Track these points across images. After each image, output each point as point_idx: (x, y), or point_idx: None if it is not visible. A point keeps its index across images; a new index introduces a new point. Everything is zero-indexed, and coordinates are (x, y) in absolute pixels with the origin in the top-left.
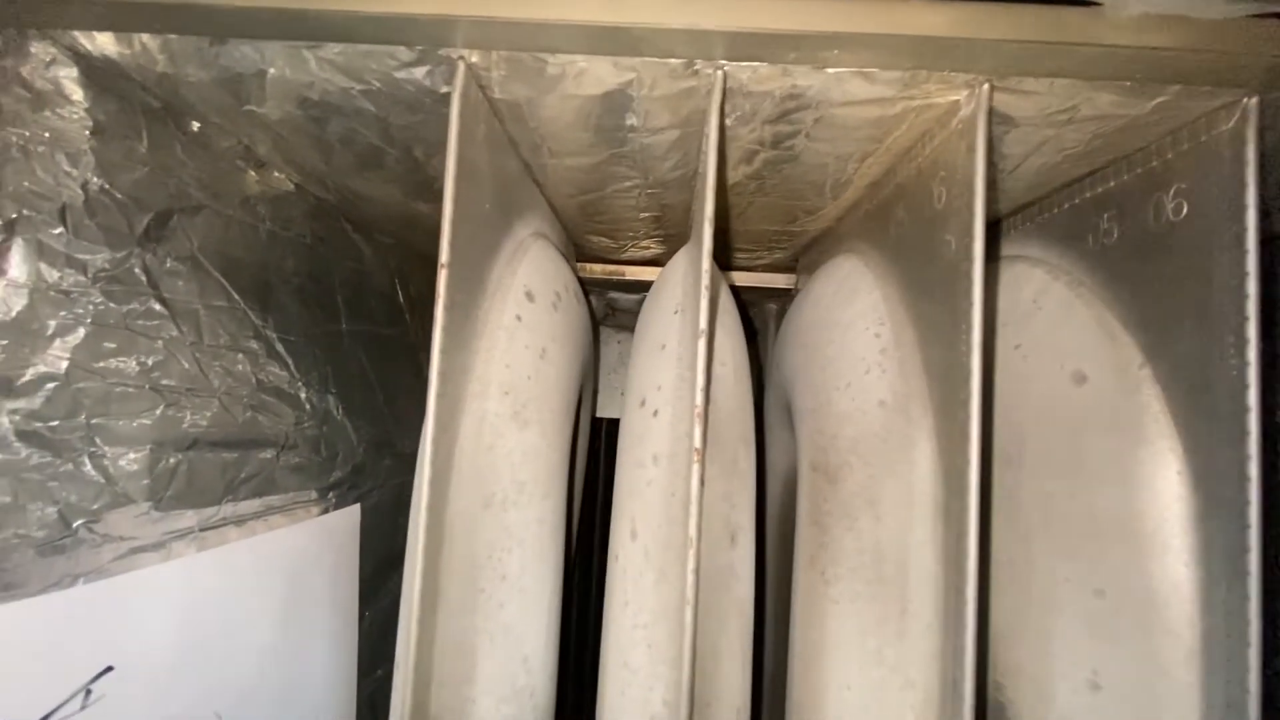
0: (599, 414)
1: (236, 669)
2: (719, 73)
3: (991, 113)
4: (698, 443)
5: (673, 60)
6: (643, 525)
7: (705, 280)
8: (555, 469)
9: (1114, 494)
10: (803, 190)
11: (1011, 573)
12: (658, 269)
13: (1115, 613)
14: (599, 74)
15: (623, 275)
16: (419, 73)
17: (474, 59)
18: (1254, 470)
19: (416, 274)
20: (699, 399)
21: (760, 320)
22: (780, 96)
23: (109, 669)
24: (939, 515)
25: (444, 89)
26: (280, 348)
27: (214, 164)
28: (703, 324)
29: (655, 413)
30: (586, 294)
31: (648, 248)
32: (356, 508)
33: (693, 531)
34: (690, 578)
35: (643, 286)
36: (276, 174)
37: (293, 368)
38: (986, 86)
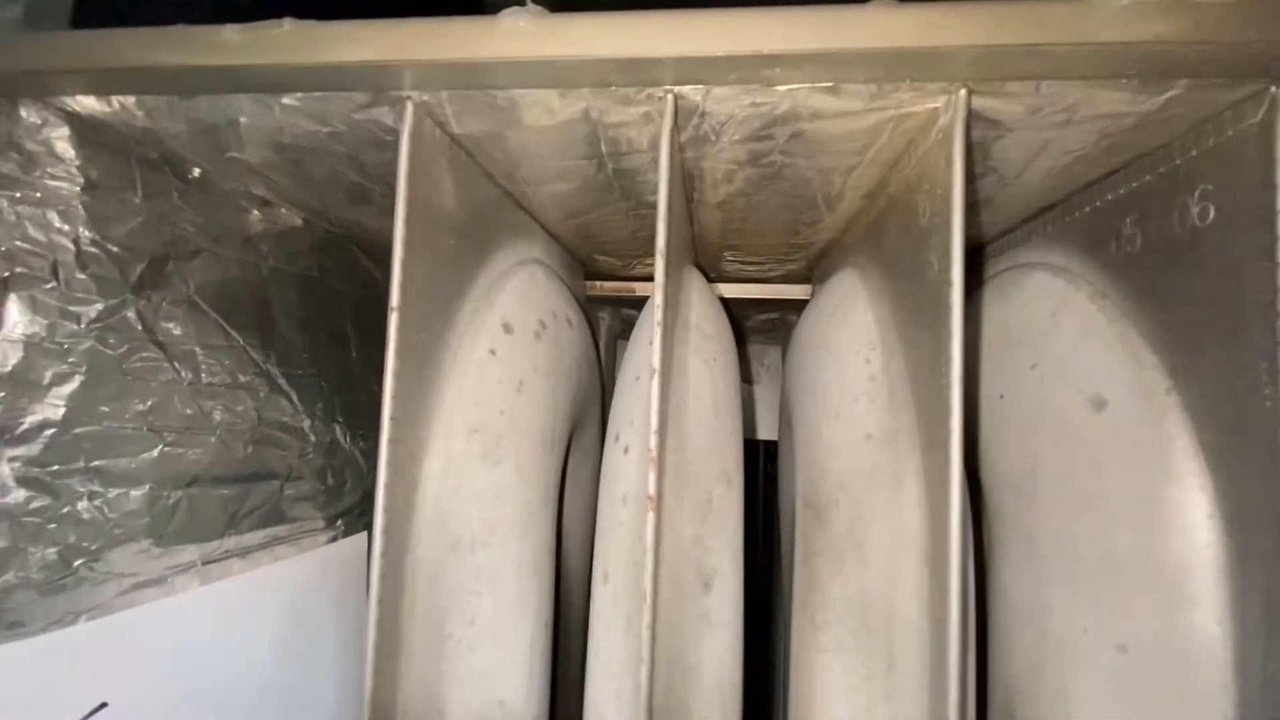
0: None
1: (237, 700)
2: (669, 96)
3: (970, 122)
4: (651, 489)
5: (615, 88)
6: (614, 569)
7: (658, 315)
8: (535, 506)
9: (1137, 537)
10: (795, 204)
11: (1027, 619)
12: None
13: (1140, 672)
14: (548, 105)
15: (632, 292)
16: (378, 113)
17: (423, 98)
18: None
19: None
20: (653, 442)
21: (783, 334)
22: (743, 116)
23: (104, 705)
24: (926, 564)
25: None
26: (283, 382)
27: (214, 207)
28: (655, 362)
29: (626, 450)
30: (589, 315)
31: (652, 264)
32: (363, 535)
33: (647, 585)
34: (646, 634)
35: None
36: (284, 211)
37: (296, 401)
38: (964, 92)
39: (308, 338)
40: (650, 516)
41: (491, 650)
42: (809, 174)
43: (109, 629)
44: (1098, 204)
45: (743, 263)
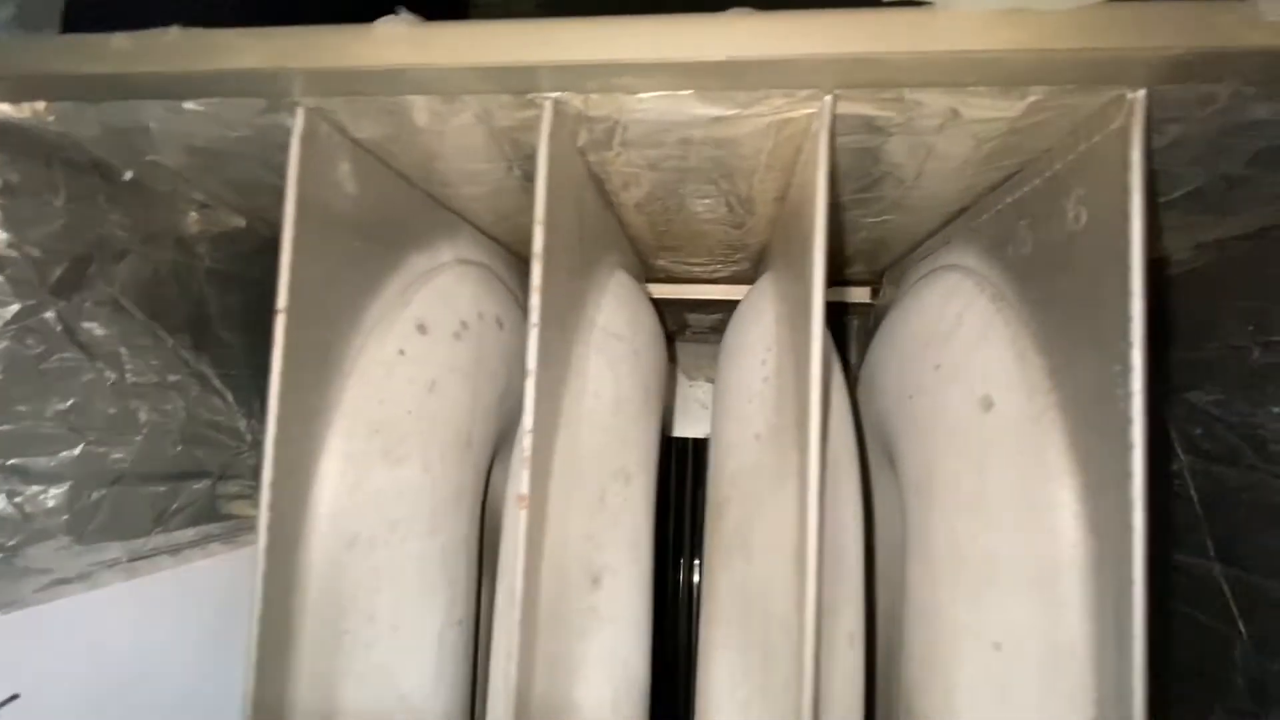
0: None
1: (156, 697)
2: (547, 102)
3: (835, 127)
4: (524, 489)
5: (493, 95)
6: (504, 566)
7: (534, 317)
8: (447, 504)
9: (1014, 535)
10: (710, 206)
11: (922, 618)
12: None
13: (1011, 670)
14: (435, 110)
15: None
16: (279, 118)
17: (316, 104)
18: (1138, 518)
19: None
20: (526, 442)
21: None
22: (626, 122)
23: (14, 696)
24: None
25: None
26: (217, 382)
27: (149, 209)
28: (531, 363)
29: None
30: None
31: None
32: None
33: (517, 582)
34: (516, 631)
35: None
36: (222, 213)
37: (231, 400)
38: (829, 99)
39: (246, 338)
40: (522, 515)
41: (391, 645)
42: (713, 177)
43: (25, 622)
44: (999, 207)
45: (685, 263)
